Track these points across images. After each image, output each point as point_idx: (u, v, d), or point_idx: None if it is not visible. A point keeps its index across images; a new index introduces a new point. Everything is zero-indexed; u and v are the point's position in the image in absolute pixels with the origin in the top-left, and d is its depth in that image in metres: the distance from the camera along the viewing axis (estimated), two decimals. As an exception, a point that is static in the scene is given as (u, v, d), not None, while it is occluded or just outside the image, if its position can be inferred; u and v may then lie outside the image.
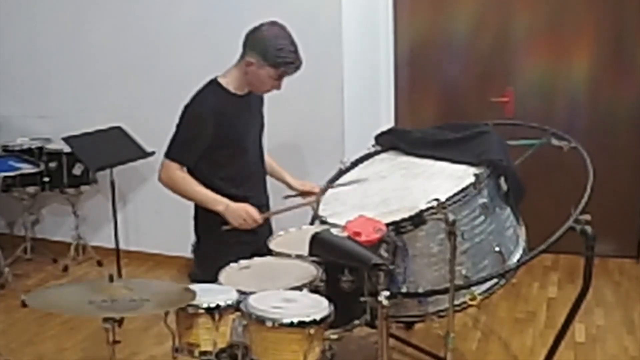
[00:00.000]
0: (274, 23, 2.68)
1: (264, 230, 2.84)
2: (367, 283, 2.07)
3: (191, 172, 2.74)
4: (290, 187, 3.05)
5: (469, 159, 2.72)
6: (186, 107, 2.69)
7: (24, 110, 5.09)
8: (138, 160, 4.30)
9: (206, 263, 2.73)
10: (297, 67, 2.68)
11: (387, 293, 1.97)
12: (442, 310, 2.49)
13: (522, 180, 2.74)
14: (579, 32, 4.37)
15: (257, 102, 2.89)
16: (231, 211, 2.66)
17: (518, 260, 2.65)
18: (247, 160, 2.82)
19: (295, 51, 2.65)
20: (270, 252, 2.55)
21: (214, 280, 2.31)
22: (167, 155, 2.71)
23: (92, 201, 4.99)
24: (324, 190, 2.94)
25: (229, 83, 2.72)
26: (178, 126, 2.70)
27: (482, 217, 2.54)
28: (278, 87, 2.73)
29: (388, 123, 4.45)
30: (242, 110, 2.76)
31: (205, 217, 2.78)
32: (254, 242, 2.69)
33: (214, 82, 2.74)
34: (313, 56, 4.18)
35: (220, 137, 2.68)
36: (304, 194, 3.01)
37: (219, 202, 2.68)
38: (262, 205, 2.89)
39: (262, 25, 2.67)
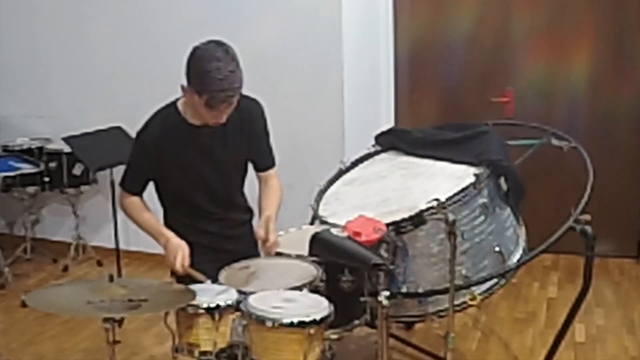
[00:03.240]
0: (210, 42, 2.34)
1: (247, 243, 2.69)
2: (367, 283, 2.07)
3: (162, 199, 2.64)
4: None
5: (469, 159, 2.72)
6: (137, 132, 2.55)
7: (24, 110, 5.09)
8: (138, 160, 4.30)
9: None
10: (227, 96, 2.29)
11: (387, 293, 1.97)
12: (442, 310, 2.49)
13: (522, 180, 2.74)
14: (579, 32, 4.37)
15: (237, 132, 2.55)
16: (167, 248, 2.43)
17: (518, 260, 2.66)
18: (206, 192, 2.58)
19: (225, 79, 2.26)
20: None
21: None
22: (120, 183, 2.64)
23: (92, 201, 4.99)
24: (322, 191, 2.95)
25: (187, 111, 2.49)
26: (130, 153, 2.59)
27: (482, 217, 2.54)
28: (220, 118, 2.38)
29: (388, 123, 4.45)
30: (196, 141, 2.49)
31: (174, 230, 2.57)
32: (235, 253, 2.52)
33: (171, 106, 2.53)
34: (313, 56, 4.23)
35: (164, 166, 2.51)
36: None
37: (162, 236, 2.48)
38: (236, 234, 2.70)
39: (199, 45, 2.35)
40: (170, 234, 2.47)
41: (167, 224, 2.64)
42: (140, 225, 2.59)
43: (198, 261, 2.44)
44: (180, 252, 2.38)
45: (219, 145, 2.53)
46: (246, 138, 2.60)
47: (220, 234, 2.64)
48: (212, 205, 2.61)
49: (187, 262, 2.38)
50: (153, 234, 2.54)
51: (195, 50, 2.35)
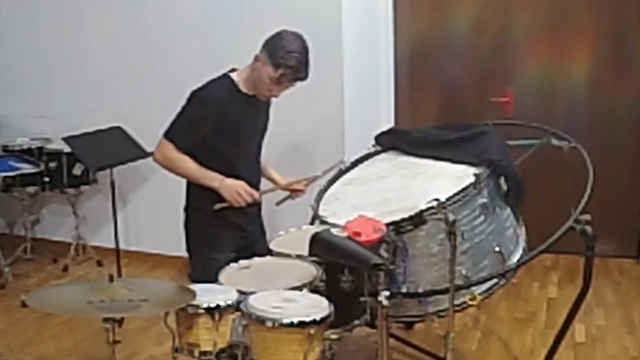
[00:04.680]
0: (295, 33, 2.68)
1: (255, 228, 2.94)
2: (367, 283, 2.07)
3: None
4: (275, 183, 3.06)
5: (469, 159, 2.72)
6: (193, 92, 2.71)
7: (24, 110, 5.09)
8: (138, 160, 4.30)
9: (197, 255, 2.83)
10: (297, 77, 2.66)
11: (387, 293, 1.97)
12: (442, 310, 2.49)
13: (522, 180, 2.74)
14: (579, 32, 4.37)
15: (265, 104, 2.89)
16: (227, 186, 2.71)
17: (518, 260, 2.65)
18: (245, 154, 2.84)
19: (302, 62, 2.63)
20: (270, 252, 2.55)
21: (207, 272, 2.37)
22: (166, 134, 2.74)
23: (92, 201, 4.99)
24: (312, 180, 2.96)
25: (240, 81, 2.75)
26: (182, 108, 2.72)
27: (482, 217, 2.54)
28: (276, 92, 2.73)
29: (388, 123, 4.45)
30: (247, 109, 2.77)
31: (196, 203, 2.85)
32: (243, 238, 2.81)
33: (226, 76, 2.77)
34: (313, 56, 4.21)
35: (219, 130, 2.69)
36: (291, 191, 3.02)
37: (215, 179, 2.72)
38: (252, 213, 2.93)
39: (283, 31, 2.68)
40: (221, 176, 2.72)
41: (194, 198, 2.85)
42: (189, 174, 2.76)
43: (219, 233, 2.73)
44: (243, 184, 2.72)
45: (258, 113, 2.86)
46: (268, 111, 2.94)
47: (243, 211, 2.81)
48: (245, 170, 2.82)
49: (251, 190, 2.73)
50: (206, 178, 2.73)
51: (283, 32, 2.67)
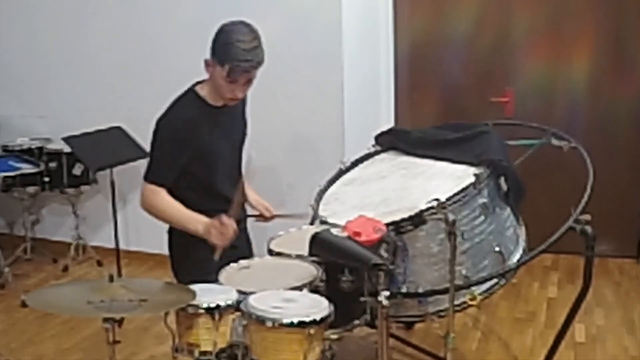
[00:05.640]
0: (238, 21, 2.47)
1: (242, 243, 2.74)
2: (367, 283, 2.07)
3: (182, 193, 2.58)
4: (246, 200, 2.85)
5: (469, 159, 2.72)
6: (159, 121, 2.52)
7: (24, 110, 5.09)
8: (138, 160, 4.29)
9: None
10: (248, 67, 2.40)
11: (387, 293, 1.96)
12: (442, 310, 2.49)
13: (522, 180, 2.74)
14: (579, 32, 4.37)
15: (239, 109, 2.70)
16: (209, 228, 2.42)
17: (518, 260, 2.66)
18: (223, 171, 2.65)
19: (248, 49, 2.38)
20: (270, 252, 2.55)
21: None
22: (146, 178, 2.54)
23: (92, 201, 4.99)
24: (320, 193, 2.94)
25: (207, 94, 2.55)
26: (153, 144, 2.54)
27: (482, 217, 2.54)
28: (238, 92, 2.48)
29: (388, 123, 4.45)
30: (219, 121, 2.57)
31: (179, 238, 2.63)
32: (232, 255, 2.48)
33: (190, 92, 2.57)
34: (313, 56, 4.23)
35: (193, 150, 2.51)
36: (260, 214, 2.89)
37: (198, 222, 2.46)
38: (239, 218, 2.74)
39: (223, 24, 2.47)
40: (204, 217, 2.46)
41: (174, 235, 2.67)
42: (176, 221, 2.53)
43: (207, 262, 2.42)
44: (222, 219, 2.39)
45: (236, 125, 2.67)
46: (244, 115, 2.75)
47: None
48: (227, 183, 2.64)
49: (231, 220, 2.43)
50: (191, 223, 2.48)
51: (222, 26, 2.47)
